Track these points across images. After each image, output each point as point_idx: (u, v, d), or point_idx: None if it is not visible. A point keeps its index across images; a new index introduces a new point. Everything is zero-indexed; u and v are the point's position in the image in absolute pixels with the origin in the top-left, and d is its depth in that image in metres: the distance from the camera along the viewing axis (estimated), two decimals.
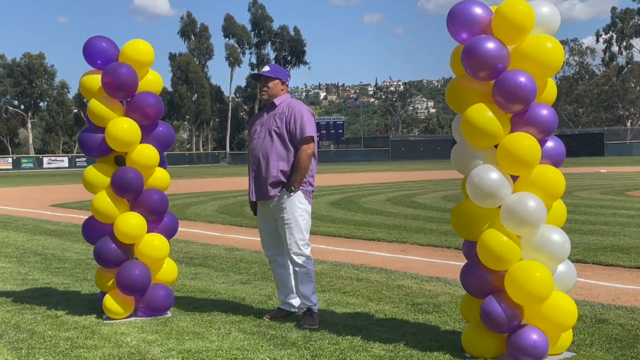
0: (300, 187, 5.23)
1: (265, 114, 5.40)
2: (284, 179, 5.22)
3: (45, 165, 66.85)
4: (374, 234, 10.53)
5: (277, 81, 5.37)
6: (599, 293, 6.16)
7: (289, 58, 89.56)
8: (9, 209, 17.32)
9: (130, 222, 5.33)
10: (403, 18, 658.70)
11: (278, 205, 5.24)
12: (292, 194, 5.20)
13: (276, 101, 5.38)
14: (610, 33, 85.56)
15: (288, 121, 5.26)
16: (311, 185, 5.35)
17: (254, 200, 5.39)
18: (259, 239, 5.60)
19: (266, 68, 5.44)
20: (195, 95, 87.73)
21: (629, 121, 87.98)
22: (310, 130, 5.26)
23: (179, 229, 5.97)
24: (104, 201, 5.38)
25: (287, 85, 5.49)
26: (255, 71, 6.08)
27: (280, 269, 5.45)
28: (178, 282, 6.66)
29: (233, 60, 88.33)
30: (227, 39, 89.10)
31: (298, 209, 5.22)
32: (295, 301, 5.41)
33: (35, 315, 5.57)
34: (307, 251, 5.26)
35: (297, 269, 5.24)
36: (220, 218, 13.63)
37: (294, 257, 5.21)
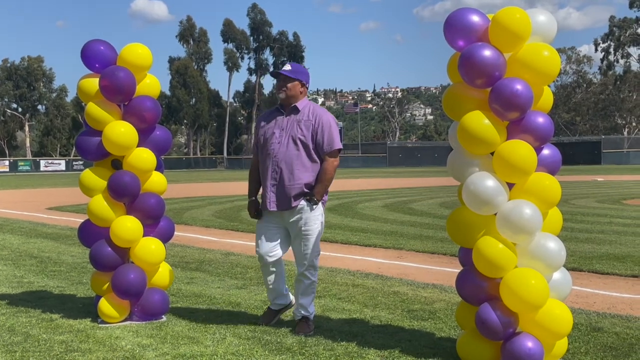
0: None
1: (284, 117, 5.15)
2: (306, 190, 5.06)
3: (42, 168, 66.85)
4: (370, 240, 10.53)
5: (296, 82, 5.12)
6: (594, 301, 6.16)
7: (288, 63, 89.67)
8: (6, 211, 17.29)
9: (126, 226, 5.32)
10: (399, 25, 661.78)
11: (296, 215, 5.07)
12: (314, 206, 5.06)
13: (299, 105, 5.13)
14: (608, 42, 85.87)
15: (315, 130, 5.05)
16: (327, 194, 5.24)
17: (273, 210, 5.12)
18: (255, 241, 5.38)
19: (287, 67, 5.19)
20: (193, 99, 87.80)
21: (626, 130, 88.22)
22: (339, 143, 5.10)
23: (175, 233, 5.96)
24: (101, 204, 5.38)
25: (307, 88, 5.26)
26: (277, 70, 5.74)
27: (271, 273, 5.25)
28: (174, 286, 6.65)
29: (231, 65, 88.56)
30: (225, 43, 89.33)
31: (317, 220, 5.09)
32: (283, 299, 5.31)
33: (30, 319, 5.56)
34: (317, 262, 5.20)
35: (304, 281, 5.14)
36: (217, 223, 13.62)
37: (308, 269, 5.10)
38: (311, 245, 5.09)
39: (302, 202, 5.06)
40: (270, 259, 5.21)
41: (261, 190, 5.31)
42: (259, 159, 5.30)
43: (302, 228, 5.07)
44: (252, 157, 5.52)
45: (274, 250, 5.20)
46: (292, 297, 5.42)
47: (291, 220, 5.10)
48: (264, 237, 5.22)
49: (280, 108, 5.25)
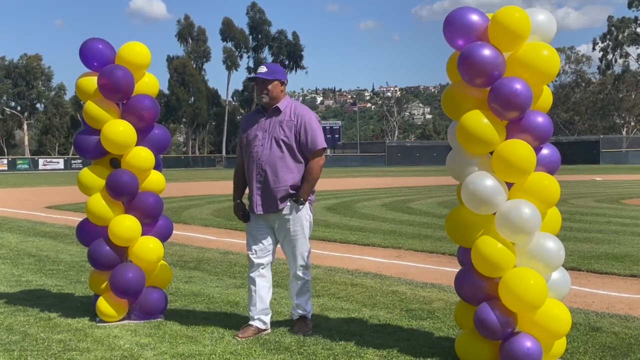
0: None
1: (266, 119, 5.05)
2: (292, 191, 4.99)
3: (40, 167, 66.81)
4: (369, 239, 10.53)
5: (276, 83, 5.00)
6: (593, 301, 6.16)
7: (287, 62, 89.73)
8: (4, 210, 17.28)
9: (124, 225, 5.31)
10: (398, 25, 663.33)
11: (283, 217, 5.02)
12: (300, 206, 4.99)
13: (280, 106, 5.03)
14: (607, 41, 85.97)
15: (298, 131, 4.96)
16: (313, 193, 5.19)
17: (260, 213, 5.03)
18: (246, 244, 5.21)
19: (262, 69, 5.05)
20: (192, 98, 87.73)
21: (625, 129, 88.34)
22: (322, 142, 5.01)
23: (174, 232, 5.96)
24: (99, 203, 5.37)
25: (286, 85, 5.16)
26: (253, 74, 5.57)
27: (260, 280, 5.06)
28: (172, 285, 6.65)
29: (230, 64, 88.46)
30: (224, 42, 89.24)
31: (305, 221, 5.04)
32: (265, 316, 5.07)
33: (28, 317, 5.55)
34: (310, 261, 5.17)
35: (298, 281, 5.10)
36: (215, 221, 13.62)
37: (299, 269, 5.06)
38: (300, 245, 5.04)
39: (289, 204, 5.00)
40: (257, 263, 5.08)
41: (247, 192, 5.25)
42: (243, 160, 5.22)
43: (290, 229, 5.02)
44: (237, 158, 5.43)
45: (262, 253, 5.08)
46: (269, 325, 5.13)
47: (278, 222, 5.04)
48: (254, 240, 5.11)
49: (261, 109, 5.16)
